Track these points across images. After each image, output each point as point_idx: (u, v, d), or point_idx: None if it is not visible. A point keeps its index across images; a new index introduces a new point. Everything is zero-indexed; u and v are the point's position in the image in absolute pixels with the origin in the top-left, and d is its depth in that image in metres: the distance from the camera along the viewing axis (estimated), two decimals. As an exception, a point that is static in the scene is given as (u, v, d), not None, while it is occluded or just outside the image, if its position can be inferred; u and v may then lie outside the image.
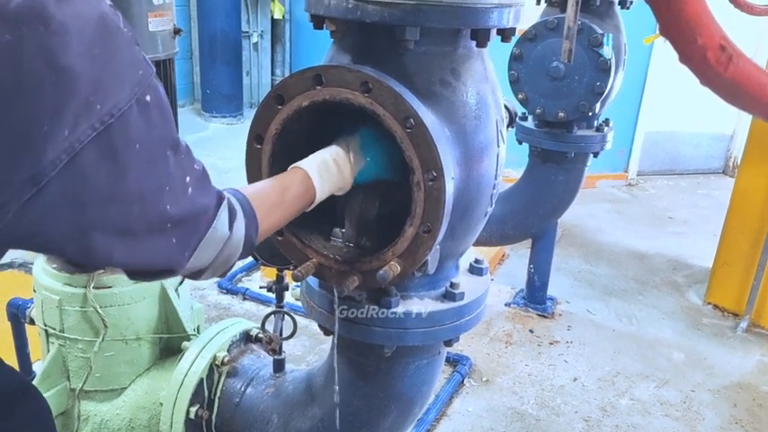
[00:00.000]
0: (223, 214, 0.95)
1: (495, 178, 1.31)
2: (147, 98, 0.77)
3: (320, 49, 1.34)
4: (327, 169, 1.18)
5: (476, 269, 1.48)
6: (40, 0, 0.67)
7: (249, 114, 6.81)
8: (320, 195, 1.17)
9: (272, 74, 7.49)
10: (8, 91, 0.66)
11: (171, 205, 0.84)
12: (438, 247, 1.23)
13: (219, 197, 0.95)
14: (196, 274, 0.98)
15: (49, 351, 1.83)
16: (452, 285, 1.37)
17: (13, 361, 2.31)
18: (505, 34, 1.25)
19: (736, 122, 6.22)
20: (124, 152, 0.76)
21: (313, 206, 1.18)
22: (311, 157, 1.19)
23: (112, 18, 0.75)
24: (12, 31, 0.65)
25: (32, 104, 0.67)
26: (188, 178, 0.87)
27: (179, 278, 1.93)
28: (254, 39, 7.29)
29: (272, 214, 1.09)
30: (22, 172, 0.69)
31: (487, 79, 1.28)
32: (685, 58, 0.52)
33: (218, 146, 5.97)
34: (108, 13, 0.74)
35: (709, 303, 3.90)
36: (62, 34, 0.68)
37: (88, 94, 0.70)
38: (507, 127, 3.16)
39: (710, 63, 0.51)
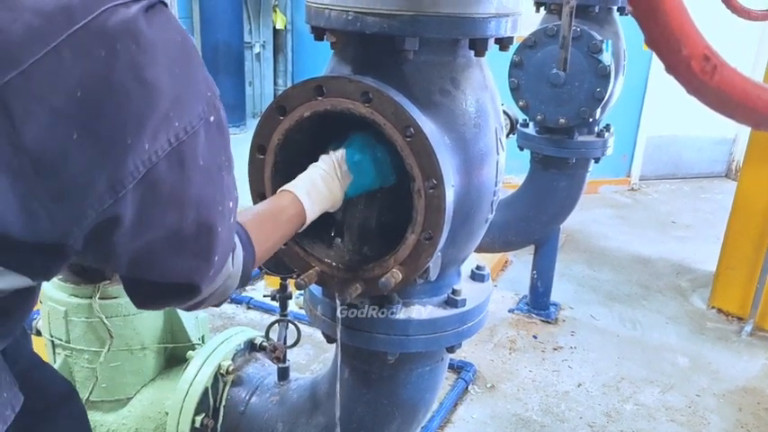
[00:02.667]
0: (238, 247, 0.99)
1: (496, 185, 1.33)
2: (212, 119, 0.81)
3: (322, 58, 1.36)
4: (316, 190, 1.19)
5: (478, 276, 1.49)
6: (134, 20, 0.71)
7: (252, 124, 6.83)
8: (311, 216, 1.18)
9: (275, 84, 7.52)
10: (98, 102, 0.69)
11: (219, 224, 0.87)
12: (439, 253, 1.24)
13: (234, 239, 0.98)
14: (196, 305, 0.98)
15: (55, 362, 1.84)
16: (454, 292, 1.38)
17: (19, 372, 2.32)
18: (503, 43, 1.27)
19: (737, 126, 6.22)
20: (191, 167, 0.79)
21: (304, 227, 1.19)
22: (300, 178, 1.20)
23: (191, 42, 0.80)
24: (107, 46, 0.69)
25: (119, 115, 0.70)
26: (231, 204, 0.90)
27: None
28: (257, 49, 7.33)
29: (266, 242, 1.10)
30: (104, 181, 0.71)
31: (486, 87, 1.30)
32: (671, 67, 0.54)
33: (221, 156, 6.00)
34: (188, 37, 0.80)
35: (713, 307, 3.90)
36: (151, 52, 0.72)
37: (168, 109, 0.74)
38: (509, 134, 3.18)
39: (695, 72, 0.52)
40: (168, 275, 0.87)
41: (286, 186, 1.19)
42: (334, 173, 1.22)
